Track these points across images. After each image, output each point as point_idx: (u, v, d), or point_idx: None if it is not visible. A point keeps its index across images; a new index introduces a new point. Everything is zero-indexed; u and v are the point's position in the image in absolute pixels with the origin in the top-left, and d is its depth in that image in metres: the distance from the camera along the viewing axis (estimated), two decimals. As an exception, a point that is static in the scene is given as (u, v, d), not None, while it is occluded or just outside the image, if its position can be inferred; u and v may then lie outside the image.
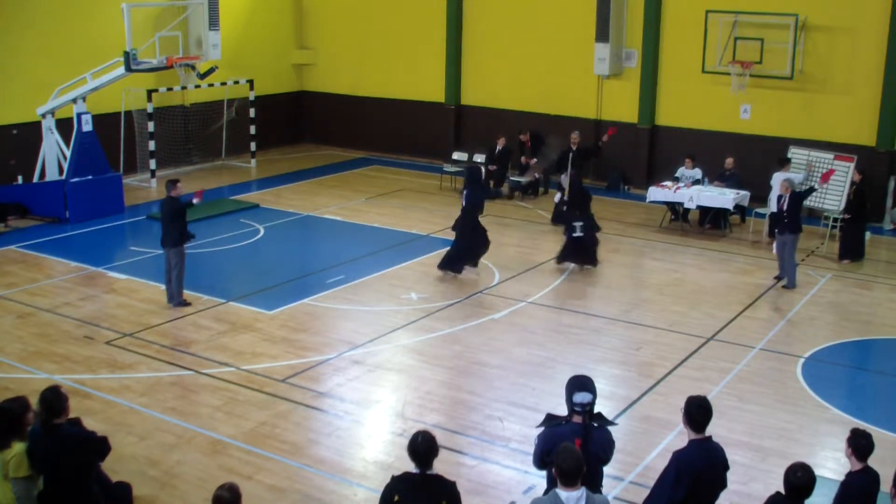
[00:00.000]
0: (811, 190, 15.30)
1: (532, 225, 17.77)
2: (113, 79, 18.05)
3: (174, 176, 13.65)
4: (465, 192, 14.64)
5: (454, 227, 14.80)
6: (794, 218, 14.31)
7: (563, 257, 15.15)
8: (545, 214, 18.52)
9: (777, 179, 16.28)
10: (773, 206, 16.30)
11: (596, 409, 6.57)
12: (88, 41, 19.62)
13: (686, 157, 17.98)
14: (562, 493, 5.48)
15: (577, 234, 14.93)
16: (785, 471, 5.95)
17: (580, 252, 15.02)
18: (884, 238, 17.50)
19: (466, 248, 14.54)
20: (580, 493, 5.48)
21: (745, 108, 19.43)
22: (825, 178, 15.41)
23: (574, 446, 5.67)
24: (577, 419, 6.35)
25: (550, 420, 6.50)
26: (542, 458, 6.46)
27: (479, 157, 20.59)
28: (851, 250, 15.73)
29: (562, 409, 6.64)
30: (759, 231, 17.15)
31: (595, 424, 6.38)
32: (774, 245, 14.77)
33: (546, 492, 6.56)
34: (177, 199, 12.77)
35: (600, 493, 6.34)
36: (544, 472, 6.73)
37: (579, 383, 6.43)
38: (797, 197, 14.39)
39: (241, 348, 11.64)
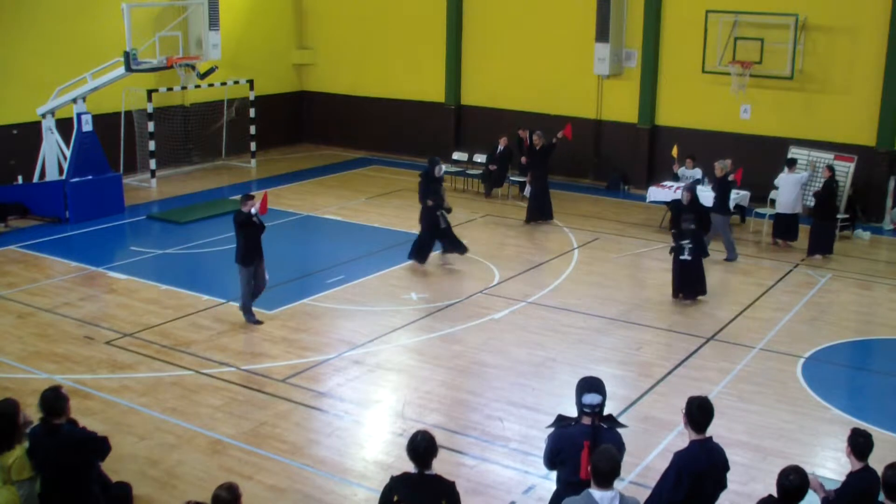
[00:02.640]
0: (734, 182, 16.04)
1: (532, 225, 17.76)
2: (113, 79, 18.05)
3: (247, 192, 12.95)
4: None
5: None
6: (722, 200, 15.39)
7: (675, 289, 13.68)
8: (545, 214, 18.51)
9: (783, 181, 16.29)
10: (781, 208, 16.31)
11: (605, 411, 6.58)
12: (88, 41, 19.62)
13: (686, 156, 17.97)
14: (595, 493, 5.53)
15: (685, 256, 13.39)
16: (778, 474, 5.93)
17: (686, 279, 13.55)
18: (884, 238, 17.49)
19: (427, 238, 14.90)
20: (613, 493, 5.51)
21: (745, 108, 19.42)
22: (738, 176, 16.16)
23: (613, 448, 5.69)
24: (585, 420, 6.35)
25: (561, 421, 6.51)
26: (552, 458, 6.48)
27: (480, 158, 20.59)
28: (819, 246, 15.71)
29: (563, 409, 6.65)
30: (759, 231, 17.15)
31: (605, 426, 6.38)
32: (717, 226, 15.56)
33: (555, 493, 6.58)
34: (240, 212, 12.17)
35: None
36: (550, 473, 6.74)
37: (588, 384, 6.43)
38: (726, 182, 15.43)
39: (241, 348, 11.64)
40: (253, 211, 12.13)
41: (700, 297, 13.59)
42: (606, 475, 5.51)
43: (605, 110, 21.12)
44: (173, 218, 17.72)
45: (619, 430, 6.48)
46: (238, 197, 12.41)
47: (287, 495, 8.35)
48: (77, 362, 11.15)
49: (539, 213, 17.82)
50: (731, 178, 15.82)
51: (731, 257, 15.57)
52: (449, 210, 15.18)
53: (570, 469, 6.29)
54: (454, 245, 15.13)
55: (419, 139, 23.50)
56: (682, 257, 13.42)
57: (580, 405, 6.37)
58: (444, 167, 15.33)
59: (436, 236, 14.99)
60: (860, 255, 16.22)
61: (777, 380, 10.95)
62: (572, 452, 6.24)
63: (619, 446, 6.39)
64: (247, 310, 12.41)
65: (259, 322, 12.39)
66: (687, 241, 13.33)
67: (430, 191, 14.98)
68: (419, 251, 14.88)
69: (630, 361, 11.50)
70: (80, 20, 19.80)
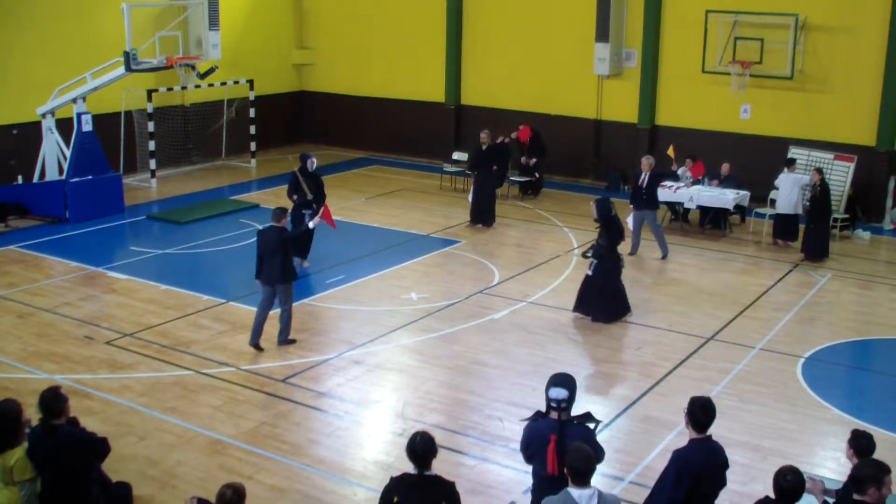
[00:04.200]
0: (673, 174, 16.47)
1: (532, 225, 17.77)
2: (113, 79, 18.05)
3: (280, 205, 12.17)
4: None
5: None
6: (652, 195, 15.44)
7: (576, 302, 12.86)
8: (545, 214, 18.52)
9: (783, 181, 16.28)
10: (780, 208, 16.29)
11: (587, 409, 6.60)
12: (88, 41, 19.62)
13: (686, 156, 17.98)
14: (573, 491, 5.52)
15: (588, 271, 12.66)
16: (774, 474, 5.93)
17: (587, 296, 12.65)
18: (884, 238, 17.50)
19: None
20: (592, 491, 5.51)
21: (745, 108, 19.43)
22: (696, 171, 16.58)
23: (585, 446, 5.71)
24: (553, 415, 6.39)
25: (536, 415, 6.55)
26: (524, 451, 6.56)
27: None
28: (814, 249, 15.65)
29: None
30: (759, 231, 17.15)
31: (574, 422, 6.40)
32: (630, 219, 15.55)
33: (532, 485, 6.62)
34: (284, 229, 11.36)
35: None
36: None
37: (557, 380, 6.50)
38: (656, 176, 15.46)
39: (241, 348, 11.63)
40: (311, 225, 11.78)
41: (603, 324, 12.49)
42: (582, 473, 5.52)
43: (605, 110, 21.12)
44: (173, 218, 17.72)
45: (613, 429, 6.49)
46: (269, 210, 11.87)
47: (287, 495, 8.35)
48: (77, 362, 11.14)
49: (477, 215, 17.46)
50: (685, 171, 16.13)
51: (664, 254, 15.64)
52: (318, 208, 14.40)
53: (540, 462, 6.35)
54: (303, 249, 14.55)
55: (419, 139, 23.51)
56: (588, 272, 12.65)
57: (547, 399, 6.41)
58: (315, 161, 14.67)
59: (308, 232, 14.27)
60: (860, 255, 16.23)
61: (777, 380, 10.95)
62: (540, 446, 6.29)
63: (588, 443, 6.37)
64: (288, 332, 11.70)
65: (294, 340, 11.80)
66: (590, 254, 12.59)
67: (300, 188, 14.37)
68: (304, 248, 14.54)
69: (630, 361, 11.50)
70: (80, 20, 19.81)
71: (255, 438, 9.35)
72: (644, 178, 15.38)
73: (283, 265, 11.32)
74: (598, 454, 6.47)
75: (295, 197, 14.59)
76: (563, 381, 6.46)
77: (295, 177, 14.60)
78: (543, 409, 6.62)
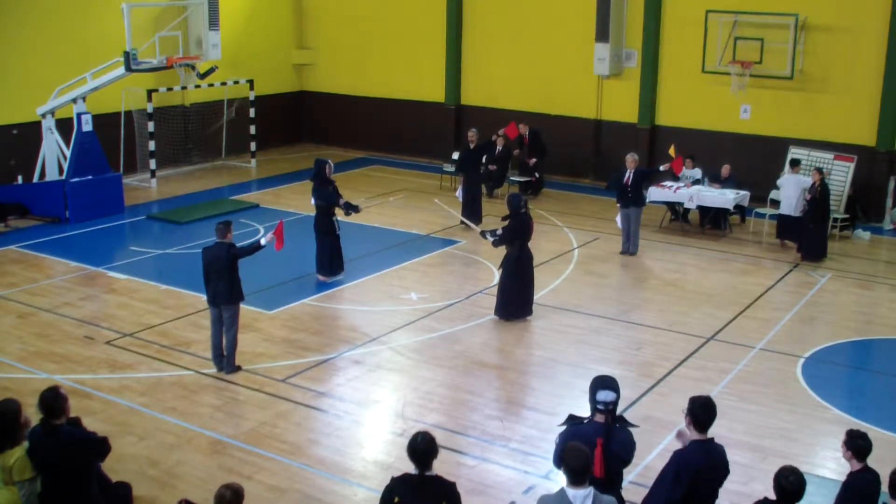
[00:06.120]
0: (657, 170, 16.57)
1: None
2: (113, 79, 18.05)
3: (225, 218, 11.66)
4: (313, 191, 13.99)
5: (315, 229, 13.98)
6: (637, 193, 15.51)
7: None
8: (545, 214, 18.51)
9: (787, 182, 16.26)
10: (783, 209, 16.25)
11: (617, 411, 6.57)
12: (88, 41, 19.62)
13: (686, 157, 17.97)
14: (569, 490, 5.51)
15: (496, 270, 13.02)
16: (775, 474, 5.93)
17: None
18: (884, 238, 17.49)
19: (329, 254, 13.99)
20: (587, 491, 5.50)
21: (745, 108, 19.43)
22: (678, 167, 16.70)
23: (583, 445, 5.68)
24: (599, 418, 6.34)
25: (573, 420, 6.50)
26: (559, 456, 6.49)
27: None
28: (812, 249, 15.59)
29: (563, 408, 6.65)
30: (759, 231, 17.14)
31: (617, 425, 6.38)
32: (618, 218, 15.84)
33: None
34: (232, 245, 10.66)
35: (620, 493, 6.37)
36: (550, 473, 6.74)
37: (603, 382, 6.43)
38: (641, 174, 15.55)
39: (241, 348, 11.57)
40: (263, 242, 10.87)
41: (501, 319, 12.58)
42: (579, 472, 5.50)
43: (605, 110, 21.12)
44: (173, 218, 17.72)
45: (631, 430, 6.49)
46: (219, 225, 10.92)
47: (287, 495, 8.35)
48: (77, 362, 11.14)
49: (466, 216, 17.10)
50: (665, 168, 16.27)
51: (632, 251, 15.70)
52: (357, 209, 14.22)
53: None
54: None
55: (419, 139, 23.51)
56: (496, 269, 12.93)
57: (594, 403, 6.36)
58: (333, 166, 14.23)
59: (338, 240, 14.03)
60: (860, 255, 16.23)
61: (777, 380, 10.95)
62: None
63: (631, 445, 6.40)
64: (234, 357, 10.97)
65: (240, 367, 11.03)
66: (489, 236, 12.69)
67: (326, 193, 13.89)
68: (332, 263, 14.08)
69: (630, 361, 11.50)
70: (80, 20, 19.80)
71: (255, 438, 9.35)
72: (629, 175, 15.41)
73: (231, 284, 10.60)
74: (630, 454, 6.45)
75: (342, 201, 13.95)
76: (610, 383, 6.41)
77: (318, 182, 13.96)
78: (554, 411, 6.60)
